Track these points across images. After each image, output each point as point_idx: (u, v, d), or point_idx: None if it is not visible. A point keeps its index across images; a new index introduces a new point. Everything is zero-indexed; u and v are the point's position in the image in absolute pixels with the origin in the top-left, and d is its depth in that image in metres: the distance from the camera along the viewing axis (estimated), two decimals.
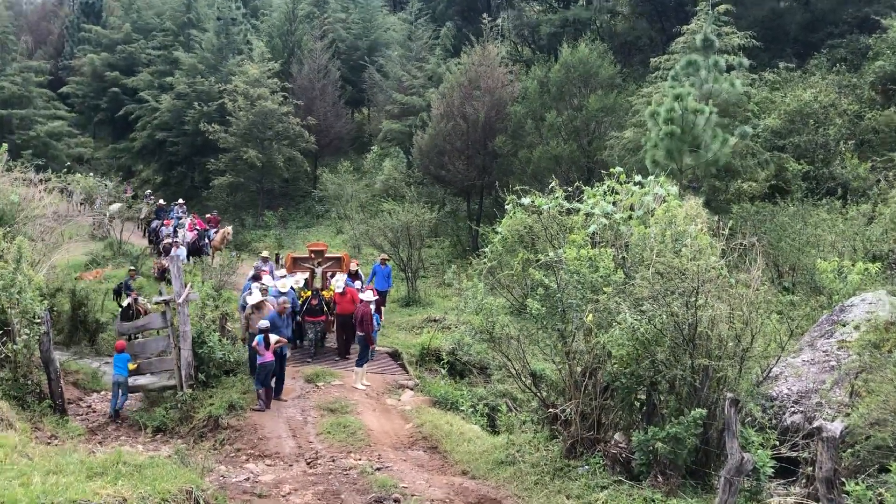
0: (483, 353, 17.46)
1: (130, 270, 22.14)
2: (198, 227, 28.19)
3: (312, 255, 19.65)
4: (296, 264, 19.47)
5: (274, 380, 15.14)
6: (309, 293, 18.12)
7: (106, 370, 17.56)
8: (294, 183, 42.14)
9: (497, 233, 14.04)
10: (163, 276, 22.14)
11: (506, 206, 13.99)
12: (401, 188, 35.00)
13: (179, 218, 29.94)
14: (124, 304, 18.92)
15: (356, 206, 34.42)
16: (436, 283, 27.21)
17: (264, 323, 14.94)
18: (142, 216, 33.67)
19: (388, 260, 22.64)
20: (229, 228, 28.13)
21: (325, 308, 18.11)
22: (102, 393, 17.08)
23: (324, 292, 18.48)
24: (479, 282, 13.50)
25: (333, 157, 42.69)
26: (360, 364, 16.24)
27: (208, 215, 31.99)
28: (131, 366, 15.62)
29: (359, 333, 16.48)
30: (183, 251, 25.08)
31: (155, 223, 30.36)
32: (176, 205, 32.26)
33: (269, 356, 14.65)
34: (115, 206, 32.51)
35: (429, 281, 28.07)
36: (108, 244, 30.34)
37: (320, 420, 14.28)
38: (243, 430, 13.96)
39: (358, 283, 18.89)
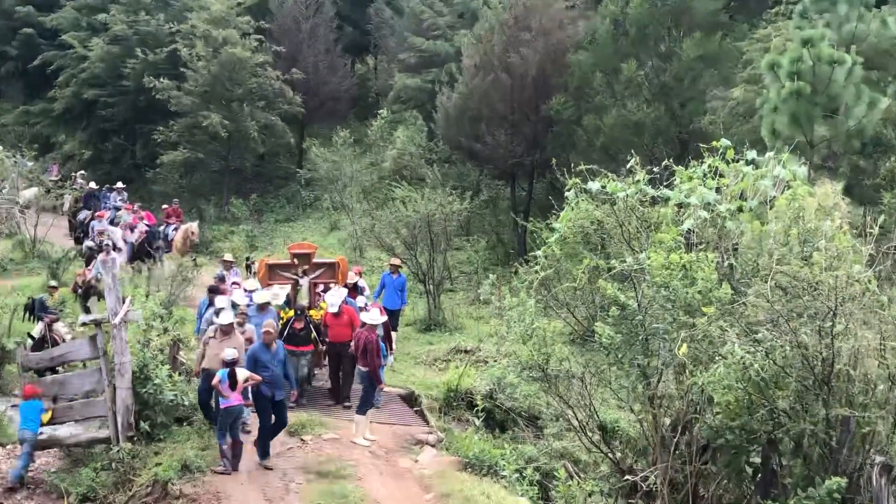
0: (533, 396, 17.46)
1: (50, 287, 22.35)
2: (147, 224, 28.56)
3: (296, 261, 19.71)
4: (273, 274, 19.53)
5: (256, 434, 15.21)
6: (291, 313, 18.13)
7: (14, 416, 17.42)
8: (272, 160, 42.80)
9: (553, 230, 14.09)
10: (87, 293, 22.24)
11: (565, 194, 13.98)
12: (419, 168, 35.41)
13: (117, 209, 30.32)
14: (35, 331, 19.06)
15: (357, 193, 34.73)
16: (467, 300, 27.31)
17: (230, 353, 14.96)
18: (65, 207, 33.99)
19: (400, 267, 22.83)
20: (193, 225, 28.50)
21: (314, 334, 18.13)
22: (10, 447, 17.05)
23: (312, 312, 18.51)
24: (527, 298, 13.52)
25: (326, 125, 43.10)
26: (361, 411, 16.29)
27: (167, 206, 32.18)
28: (45, 417, 15.69)
29: (360, 368, 16.55)
30: (120, 256, 25.38)
31: (83, 215, 30.64)
32: (112, 190, 32.72)
33: (235, 398, 14.68)
34: (30, 192, 32.98)
35: (458, 297, 28.14)
36: (17, 243, 30.66)
37: (307, 488, 14.22)
38: (202, 500, 13.92)
39: (360, 300, 18.96)
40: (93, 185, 33.50)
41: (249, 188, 40.62)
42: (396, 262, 22.79)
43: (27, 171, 35.55)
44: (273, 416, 15.26)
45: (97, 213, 29.62)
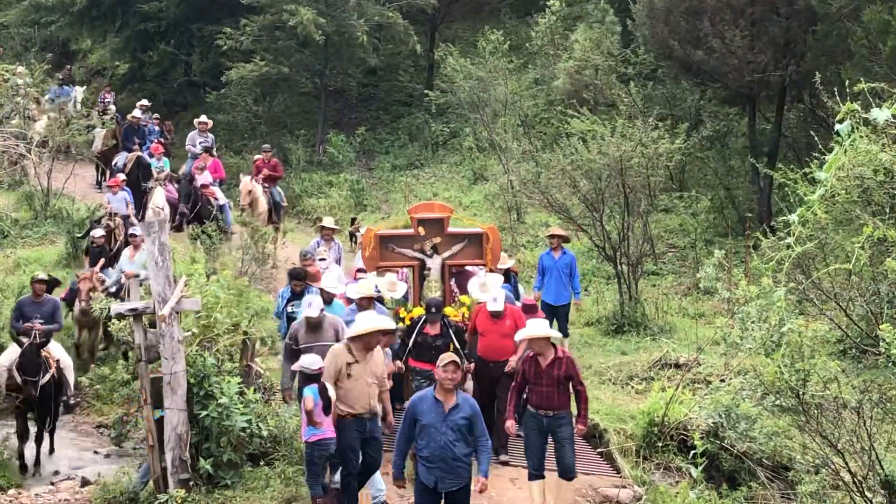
0: (781, 436, 17.53)
1: (35, 283, 21.51)
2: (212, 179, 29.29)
3: (422, 231, 19.55)
4: (387, 251, 19.48)
5: (339, 475, 15.32)
6: (417, 312, 18.39)
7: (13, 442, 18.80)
8: (389, 77, 43.60)
9: (815, 183, 13.63)
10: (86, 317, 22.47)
11: (834, 128, 13.74)
12: (608, 88, 35.35)
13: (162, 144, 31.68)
14: (3, 358, 19.55)
15: (514, 126, 34.89)
16: (679, 288, 27.58)
17: (310, 361, 15.22)
18: (95, 146, 34.60)
19: (566, 239, 22.80)
20: (246, 182, 28.35)
21: (455, 344, 17.73)
22: (13, 492, 17.61)
23: (449, 310, 18.56)
24: (773, 286, 13.62)
25: (469, 25, 43.36)
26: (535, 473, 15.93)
27: (258, 156, 31.57)
28: None
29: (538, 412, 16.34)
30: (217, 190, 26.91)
31: (121, 158, 31.36)
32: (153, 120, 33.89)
33: (328, 428, 14.92)
34: (41, 124, 33.35)
35: (665, 283, 28.32)
36: (24, 197, 31.78)
37: None
38: None
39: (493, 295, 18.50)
40: (137, 112, 34.19)
41: (355, 118, 41.74)
42: (559, 231, 22.74)
43: (63, 102, 36.23)
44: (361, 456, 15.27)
45: (152, 148, 30.78)
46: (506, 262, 20.01)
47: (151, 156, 31.04)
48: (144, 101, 34.89)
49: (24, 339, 18.91)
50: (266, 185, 28.84)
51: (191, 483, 15.47)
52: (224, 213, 27.99)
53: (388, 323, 15.70)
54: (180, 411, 15.45)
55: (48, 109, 35.29)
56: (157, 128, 34.60)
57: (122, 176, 28.25)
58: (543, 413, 15.24)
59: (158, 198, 27.93)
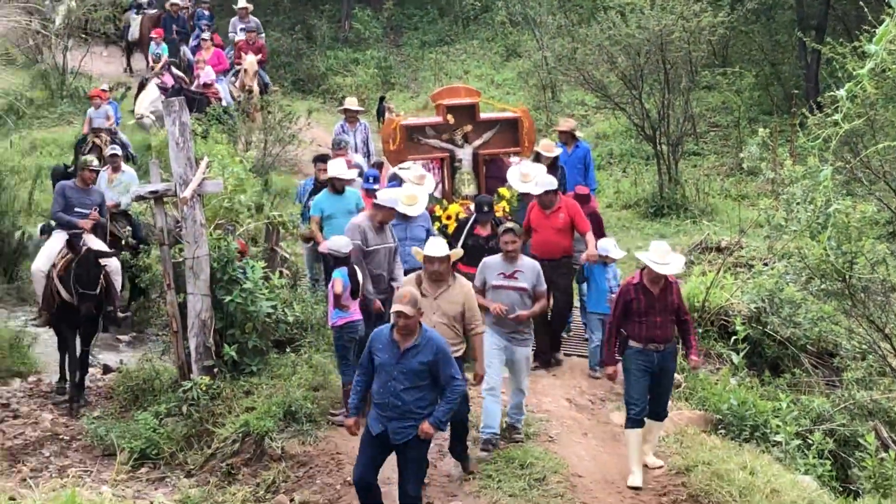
0: (826, 321, 17.41)
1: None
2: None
3: (450, 118, 18.65)
4: (413, 143, 18.57)
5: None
6: (454, 209, 17.48)
7: (41, 334, 18.32)
8: None
9: (864, 57, 12.89)
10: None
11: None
12: None
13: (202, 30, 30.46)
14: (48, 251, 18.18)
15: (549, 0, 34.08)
16: (721, 168, 27.10)
17: (340, 243, 14.63)
18: (133, 33, 33.29)
19: (575, 132, 20.78)
20: (249, 61, 27.61)
21: None
22: (33, 379, 17.57)
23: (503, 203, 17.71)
24: (820, 165, 13.11)
25: None
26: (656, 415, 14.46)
27: (240, 38, 30.53)
28: None
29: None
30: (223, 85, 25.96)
31: (156, 48, 29.95)
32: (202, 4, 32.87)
33: (355, 311, 14.52)
34: (63, 7, 31.89)
35: (706, 163, 28.13)
36: (39, 75, 31.06)
37: (472, 451, 14.00)
38: (314, 464, 13.90)
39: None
40: None
41: None
42: (570, 124, 20.82)
43: None
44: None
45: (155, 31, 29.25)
46: (552, 150, 18.43)
47: (198, 48, 29.62)
48: None
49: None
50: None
51: (215, 370, 15.37)
52: (229, 117, 26.60)
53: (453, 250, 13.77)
54: (204, 296, 15.24)
55: None
56: (206, 12, 32.74)
57: (104, 87, 26.19)
58: (654, 347, 13.52)
59: (151, 91, 26.55)
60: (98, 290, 16.54)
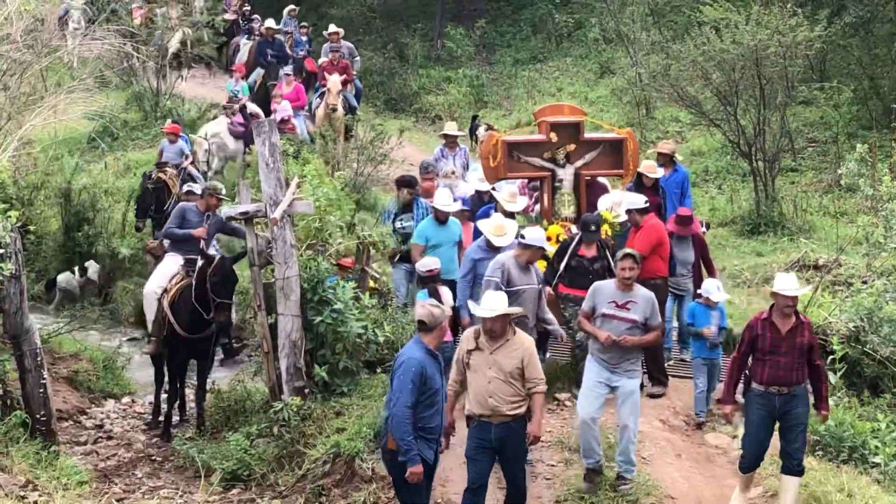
0: None
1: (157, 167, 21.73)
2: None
3: (553, 137, 18.02)
4: (512, 160, 17.82)
5: None
6: (554, 230, 17.12)
7: (132, 352, 18.80)
8: None
9: None
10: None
11: None
12: None
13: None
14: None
15: (643, 15, 34.22)
16: (819, 185, 26.75)
17: (425, 262, 14.84)
18: (239, 58, 32.56)
19: (674, 156, 20.30)
20: (334, 81, 26.96)
21: (612, 269, 15.95)
22: (126, 400, 17.99)
23: (554, 229, 17.13)
24: None
25: None
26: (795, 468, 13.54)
27: (323, 59, 30.09)
28: None
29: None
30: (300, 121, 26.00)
31: (252, 75, 29.82)
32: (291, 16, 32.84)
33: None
34: (177, 38, 32.09)
35: (804, 180, 27.72)
36: (133, 97, 31.10)
37: (564, 472, 13.99)
38: None
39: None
40: (270, 22, 32.09)
41: (474, 10, 40.58)
42: (669, 147, 20.45)
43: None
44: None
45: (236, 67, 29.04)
46: (655, 172, 18.13)
47: (304, 73, 29.97)
48: (292, 7, 33.50)
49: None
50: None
51: (306, 390, 15.53)
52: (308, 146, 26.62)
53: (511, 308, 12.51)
54: (294, 317, 15.35)
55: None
56: (304, 38, 32.74)
57: (169, 122, 25.97)
58: (777, 391, 12.61)
59: (216, 125, 25.79)
60: (231, 303, 16.64)
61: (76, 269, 22.21)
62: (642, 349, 13.70)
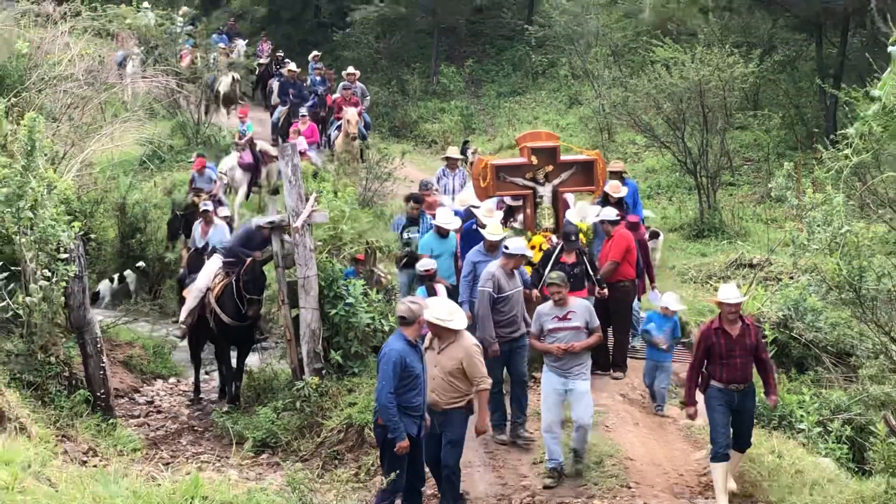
0: (842, 326, 17.53)
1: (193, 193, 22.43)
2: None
3: (534, 160, 18.02)
4: (498, 180, 17.94)
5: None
6: (538, 240, 17.24)
7: (179, 342, 19.44)
8: (493, 14, 43.22)
9: (872, 99, 13.22)
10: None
11: (889, 49, 13.48)
12: (689, 19, 34.93)
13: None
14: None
15: (605, 55, 34.84)
16: (753, 197, 27.47)
17: (423, 262, 15.48)
18: (223, 88, 33.02)
19: (624, 173, 20.36)
20: (350, 113, 26.86)
21: (589, 273, 16.37)
22: (173, 380, 18.71)
23: (538, 238, 17.45)
24: (835, 193, 13.44)
25: None
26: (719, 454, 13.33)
27: (337, 95, 30.28)
28: None
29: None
30: (313, 153, 26.35)
31: (276, 113, 30.86)
32: (315, 60, 33.53)
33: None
34: (227, 82, 32.53)
35: (740, 192, 28.38)
36: (177, 126, 31.99)
37: (539, 440, 14.39)
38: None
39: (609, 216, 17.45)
40: (292, 66, 32.81)
41: (464, 52, 41.83)
42: (619, 165, 20.56)
43: (229, 48, 36.18)
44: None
45: (240, 111, 29.39)
46: (619, 191, 18.49)
47: (327, 110, 30.16)
48: (316, 52, 34.68)
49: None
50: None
51: (323, 371, 16.11)
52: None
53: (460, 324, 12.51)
54: (313, 310, 15.98)
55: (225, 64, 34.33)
56: (318, 78, 33.10)
57: (195, 155, 25.94)
58: (735, 387, 12.88)
59: (228, 160, 26.38)
60: (261, 299, 17.42)
61: (115, 277, 22.74)
62: (591, 351, 13.93)
